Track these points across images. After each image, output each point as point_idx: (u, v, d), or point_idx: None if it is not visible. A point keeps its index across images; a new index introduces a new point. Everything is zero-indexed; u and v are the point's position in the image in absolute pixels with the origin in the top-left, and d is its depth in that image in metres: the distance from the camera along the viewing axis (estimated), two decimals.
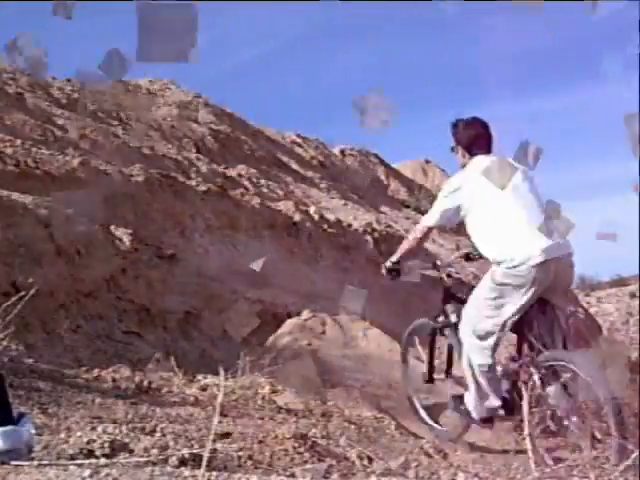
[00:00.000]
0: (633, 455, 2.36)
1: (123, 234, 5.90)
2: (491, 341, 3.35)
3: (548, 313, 3.35)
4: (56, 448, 2.21)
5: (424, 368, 4.12)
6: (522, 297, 3.24)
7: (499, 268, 3.27)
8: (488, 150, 3.57)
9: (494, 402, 3.43)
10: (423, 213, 14.05)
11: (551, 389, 3.13)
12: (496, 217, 3.35)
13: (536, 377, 3.18)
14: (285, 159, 13.90)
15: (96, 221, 5.74)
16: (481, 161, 3.45)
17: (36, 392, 2.92)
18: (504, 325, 3.32)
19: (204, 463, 1.82)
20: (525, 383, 3.24)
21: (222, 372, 2.04)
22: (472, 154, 3.56)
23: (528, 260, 3.18)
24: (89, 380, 3.50)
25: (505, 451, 3.60)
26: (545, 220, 3.25)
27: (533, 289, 3.21)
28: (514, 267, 3.21)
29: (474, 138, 3.57)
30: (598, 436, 2.86)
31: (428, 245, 13.13)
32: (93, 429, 2.48)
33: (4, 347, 3.25)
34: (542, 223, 3.24)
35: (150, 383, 3.65)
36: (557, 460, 2.87)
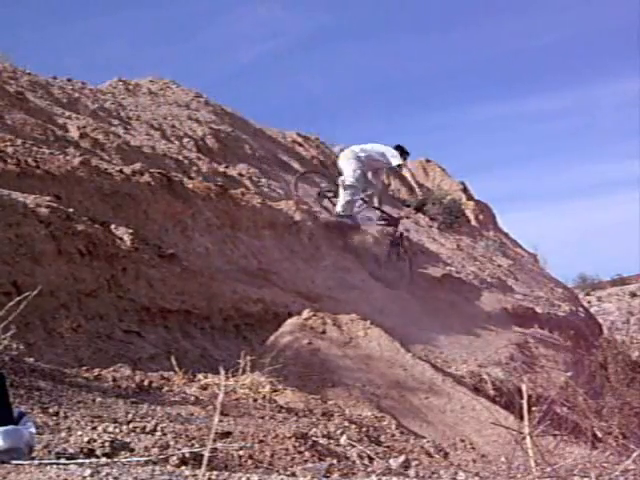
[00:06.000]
0: (633, 455, 2.36)
1: (124, 233, 5.90)
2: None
3: None
4: (57, 447, 2.21)
5: None
6: None
7: None
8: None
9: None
10: (424, 212, 14.08)
11: None
12: None
13: None
14: (286, 158, 13.88)
15: (97, 220, 5.74)
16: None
17: (37, 391, 2.92)
18: None
19: (205, 462, 1.82)
20: None
21: (222, 371, 2.04)
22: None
23: None
24: (90, 379, 3.50)
25: (505, 451, 3.60)
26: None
27: None
28: None
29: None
30: (599, 435, 2.87)
31: (428, 244, 13.12)
32: (94, 428, 2.48)
33: (5, 346, 3.25)
34: None
35: (151, 382, 3.64)
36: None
